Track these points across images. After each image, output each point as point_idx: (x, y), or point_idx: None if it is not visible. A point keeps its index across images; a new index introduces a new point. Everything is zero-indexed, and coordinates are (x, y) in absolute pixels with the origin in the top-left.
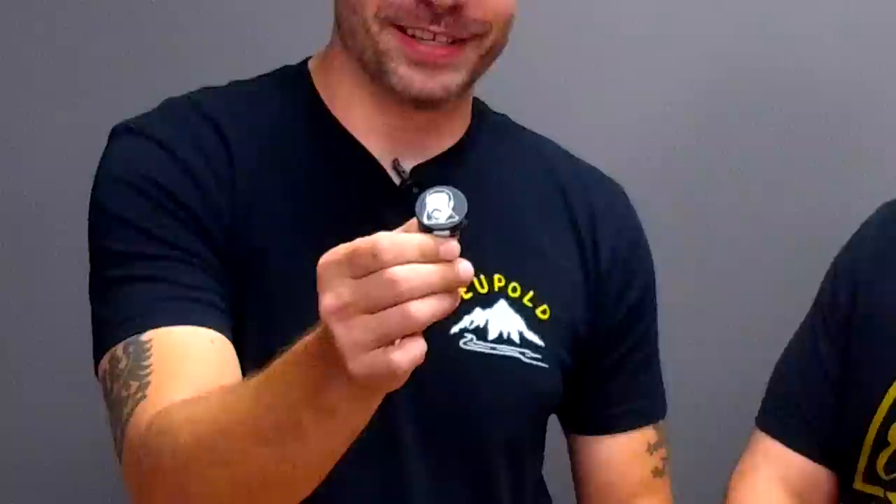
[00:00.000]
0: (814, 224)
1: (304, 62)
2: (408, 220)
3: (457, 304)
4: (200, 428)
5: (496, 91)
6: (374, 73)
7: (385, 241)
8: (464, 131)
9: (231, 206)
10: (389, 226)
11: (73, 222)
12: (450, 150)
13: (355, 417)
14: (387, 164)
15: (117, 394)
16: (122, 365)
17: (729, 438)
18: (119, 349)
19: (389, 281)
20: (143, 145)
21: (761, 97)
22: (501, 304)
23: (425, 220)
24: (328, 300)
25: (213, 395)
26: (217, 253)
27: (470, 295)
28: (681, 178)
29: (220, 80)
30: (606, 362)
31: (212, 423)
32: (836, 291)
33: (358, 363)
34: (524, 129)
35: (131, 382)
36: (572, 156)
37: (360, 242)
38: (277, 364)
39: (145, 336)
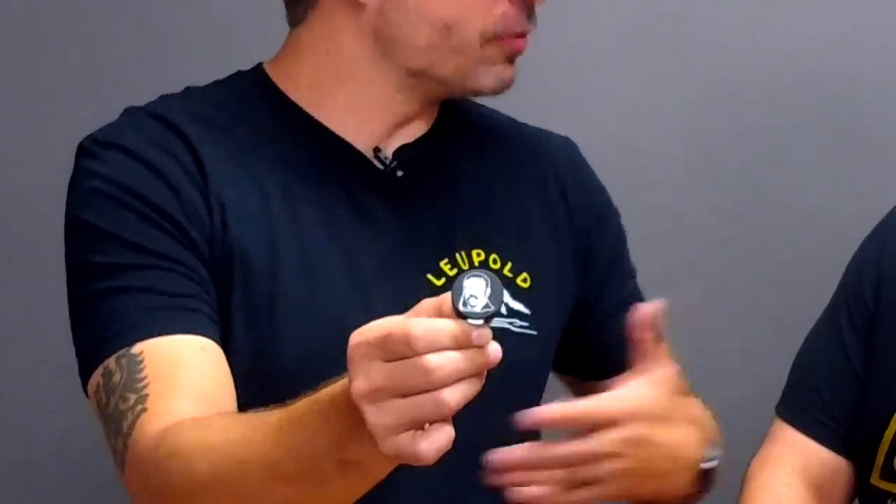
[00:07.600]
0: (824, 221)
1: (259, 67)
2: (395, 205)
3: (482, 385)
4: (217, 458)
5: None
6: (455, 83)
7: (418, 328)
8: (434, 117)
9: (207, 209)
10: (378, 212)
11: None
12: (424, 135)
13: (379, 470)
14: (367, 153)
15: (114, 407)
16: (116, 378)
17: (746, 430)
18: (111, 362)
19: (423, 369)
20: (115, 156)
21: (771, 94)
22: None
23: (461, 307)
24: (360, 383)
25: (229, 423)
26: (200, 258)
27: (455, 272)
28: (688, 176)
29: (207, 79)
30: (602, 308)
31: (230, 455)
32: (861, 282)
33: (387, 445)
34: (478, 104)
35: (128, 395)
36: (521, 123)
37: (394, 327)
38: (302, 408)
39: (136, 349)
